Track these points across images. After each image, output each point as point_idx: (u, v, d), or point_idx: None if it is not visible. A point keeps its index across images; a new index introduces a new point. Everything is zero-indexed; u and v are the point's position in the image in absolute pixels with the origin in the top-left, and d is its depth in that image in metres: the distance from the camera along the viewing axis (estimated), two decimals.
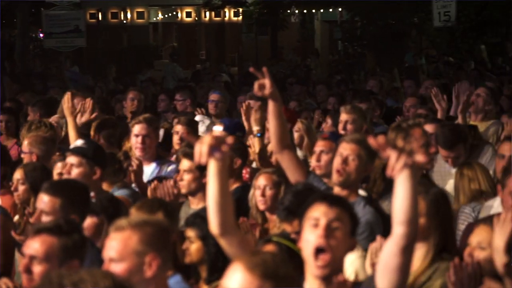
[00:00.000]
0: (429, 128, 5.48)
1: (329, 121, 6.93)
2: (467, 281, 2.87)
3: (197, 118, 6.82)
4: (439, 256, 3.17)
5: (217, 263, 3.23)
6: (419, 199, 3.05)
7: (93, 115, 5.79)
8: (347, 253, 2.78)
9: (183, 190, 4.45)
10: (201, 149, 2.75)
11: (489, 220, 3.30)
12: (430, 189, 3.26)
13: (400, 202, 2.49)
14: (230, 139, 2.85)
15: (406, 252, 2.54)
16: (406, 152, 2.43)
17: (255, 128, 5.55)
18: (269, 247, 3.21)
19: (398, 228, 2.51)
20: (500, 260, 2.87)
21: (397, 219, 2.51)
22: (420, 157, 2.40)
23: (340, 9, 24.79)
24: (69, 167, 4.42)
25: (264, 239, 3.42)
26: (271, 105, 3.87)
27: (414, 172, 2.45)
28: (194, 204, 4.46)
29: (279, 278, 2.22)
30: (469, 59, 16.13)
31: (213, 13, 27.63)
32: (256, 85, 3.76)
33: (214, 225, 2.88)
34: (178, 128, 5.87)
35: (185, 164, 4.49)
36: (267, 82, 3.72)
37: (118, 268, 2.66)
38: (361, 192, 4.27)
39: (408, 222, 2.49)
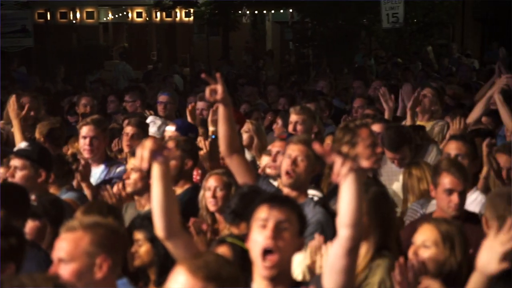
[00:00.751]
0: (376, 128, 5.57)
1: (279, 121, 6.98)
2: (412, 280, 2.91)
3: (149, 118, 6.79)
4: (379, 254, 3.22)
5: (166, 265, 3.22)
6: None
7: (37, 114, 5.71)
8: (295, 253, 2.80)
9: (129, 189, 4.42)
10: (142, 153, 2.75)
11: (433, 219, 3.37)
12: (370, 188, 3.31)
13: (345, 205, 2.52)
14: (171, 143, 2.85)
15: (352, 254, 2.57)
16: (351, 158, 2.46)
17: (211, 129, 5.55)
18: (223, 248, 3.21)
19: (343, 231, 2.55)
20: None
21: (342, 221, 2.54)
22: (364, 163, 2.44)
23: (291, 10, 24.92)
24: (13, 170, 4.35)
25: (217, 240, 3.42)
26: (221, 110, 3.88)
27: (359, 176, 2.48)
28: (141, 206, 4.43)
29: (222, 279, 2.24)
30: (416, 60, 16.40)
31: (164, 14, 27.45)
32: (207, 90, 3.76)
33: (159, 228, 2.88)
34: (128, 130, 5.83)
35: (132, 162, 4.47)
36: (219, 87, 3.72)
37: (67, 268, 2.64)
38: (315, 192, 4.32)
39: (353, 225, 2.52)
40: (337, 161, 2.46)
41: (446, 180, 3.94)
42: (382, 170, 5.60)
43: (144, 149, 2.74)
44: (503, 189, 3.92)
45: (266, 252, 2.70)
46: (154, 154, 2.76)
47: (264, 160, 5.05)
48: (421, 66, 14.68)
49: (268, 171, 4.89)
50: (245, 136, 6.29)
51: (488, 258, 2.54)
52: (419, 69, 14.12)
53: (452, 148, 4.59)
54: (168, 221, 2.85)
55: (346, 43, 19.15)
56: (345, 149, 2.51)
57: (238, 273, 2.30)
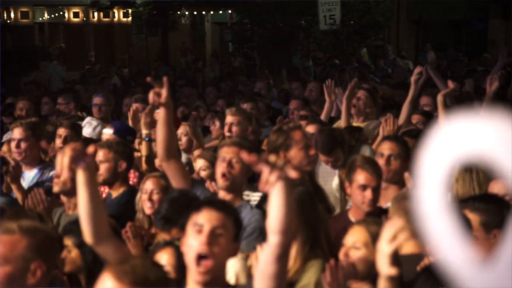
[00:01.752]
0: (311, 129, 5.64)
1: (217, 123, 6.97)
2: (342, 281, 2.93)
3: (86, 120, 6.69)
4: (312, 253, 3.25)
5: (94, 271, 3.18)
6: None
7: None
8: (230, 258, 2.80)
9: (57, 188, 4.32)
10: (62, 160, 2.72)
11: (363, 220, 3.41)
12: (295, 188, 3.34)
13: (274, 212, 2.53)
14: (91, 148, 2.80)
15: (281, 260, 2.58)
16: (279, 166, 2.47)
17: (144, 132, 5.50)
18: (167, 250, 3.20)
19: (273, 238, 2.56)
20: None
21: (272, 228, 2.56)
22: (292, 173, 2.46)
23: (230, 11, 24.94)
24: None
25: (163, 242, 3.40)
26: (163, 113, 3.84)
27: (287, 184, 2.51)
28: (70, 210, 4.35)
29: (150, 283, 2.22)
30: (353, 61, 16.63)
31: (101, 14, 27.09)
32: (151, 93, 3.72)
33: (87, 234, 2.85)
34: (61, 132, 5.75)
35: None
36: (163, 91, 3.69)
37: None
38: (253, 193, 4.33)
39: (283, 231, 2.53)
40: (265, 170, 2.46)
41: (360, 177, 4.01)
42: (317, 171, 5.67)
43: (64, 156, 2.71)
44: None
45: (200, 257, 2.70)
46: (76, 160, 2.72)
47: (199, 163, 5.04)
48: (357, 68, 14.88)
49: (203, 173, 4.89)
50: (184, 139, 6.27)
51: (380, 260, 2.55)
52: (354, 70, 14.31)
53: (385, 149, 4.67)
54: (95, 227, 2.82)
55: (285, 45, 19.27)
56: (272, 157, 2.51)
57: (166, 276, 2.29)
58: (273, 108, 8.74)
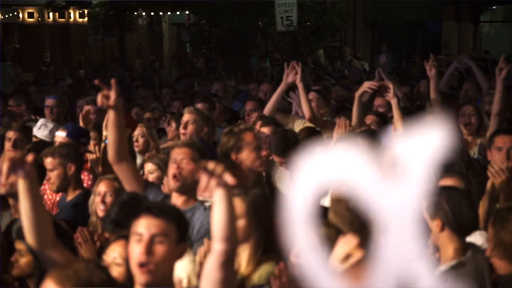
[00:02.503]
0: (265, 130, 5.66)
1: (173, 124, 6.94)
2: (290, 285, 2.93)
3: (40, 121, 6.59)
4: (265, 256, 3.25)
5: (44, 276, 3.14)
6: (238, 201, 3.15)
7: None
8: (176, 261, 2.79)
9: (2, 190, 4.26)
10: (1, 168, 2.67)
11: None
12: (249, 190, 3.35)
13: (217, 220, 2.53)
14: (30, 157, 2.76)
15: (226, 266, 2.58)
16: (217, 174, 2.47)
17: (105, 134, 5.45)
18: (120, 243, 3.19)
19: (217, 245, 2.56)
20: None
21: (215, 235, 2.56)
22: (229, 179, 2.46)
23: (187, 12, 24.84)
24: None
25: (117, 236, 3.37)
26: (112, 116, 3.80)
27: (227, 191, 2.50)
28: (17, 213, 4.28)
29: (94, 285, 2.21)
30: (310, 62, 16.72)
31: (57, 14, 26.74)
32: (99, 96, 3.68)
33: (31, 241, 2.82)
34: (10, 135, 5.67)
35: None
36: (112, 94, 3.66)
37: None
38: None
39: (227, 238, 2.54)
40: (203, 177, 2.46)
41: None
42: (273, 172, 5.69)
43: (3, 164, 2.66)
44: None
45: (141, 265, 2.70)
46: (14, 169, 2.68)
47: (147, 167, 5.02)
48: (314, 69, 14.96)
49: (151, 177, 4.87)
50: (140, 141, 6.24)
51: None
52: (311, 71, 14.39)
53: None
54: (39, 235, 2.79)
55: (242, 46, 19.30)
56: (211, 166, 2.50)
57: (111, 278, 2.28)
58: (235, 109, 8.75)
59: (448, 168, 4.53)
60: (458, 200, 3.24)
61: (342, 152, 1.02)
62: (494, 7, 25.42)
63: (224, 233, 2.50)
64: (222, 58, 19.57)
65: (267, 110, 6.51)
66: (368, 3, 25.29)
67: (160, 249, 2.70)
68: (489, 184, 4.03)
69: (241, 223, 3.14)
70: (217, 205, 2.49)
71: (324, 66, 16.15)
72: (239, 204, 3.17)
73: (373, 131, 5.83)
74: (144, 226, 2.71)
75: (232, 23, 19.19)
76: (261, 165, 4.41)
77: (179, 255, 2.77)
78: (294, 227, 1.04)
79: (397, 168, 0.97)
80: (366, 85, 5.95)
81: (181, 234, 2.79)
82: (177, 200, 4.02)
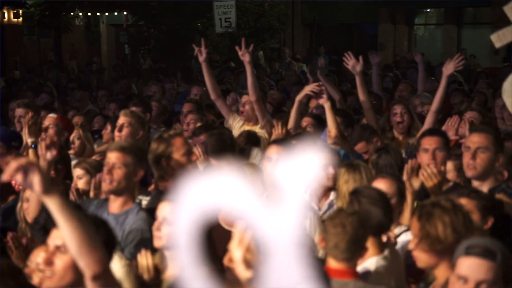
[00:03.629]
0: (203, 138, 5.67)
1: (108, 127, 6.86)
2: None
3: None
4: None
5: None
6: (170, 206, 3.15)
7: None
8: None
9: None
10: None
11: None
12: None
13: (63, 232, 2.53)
14: None
15: (96, 281, 2.53)
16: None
17: (29, 140, 5.34)
18: (45, 247, 3.14)
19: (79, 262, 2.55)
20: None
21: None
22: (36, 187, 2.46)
23: (125, 13, 24.58)
24: None
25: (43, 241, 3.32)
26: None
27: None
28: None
29: None
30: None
31: None
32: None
33: None
34: None
35: None
36: None
37: None
38: (145, 197, 4.30)
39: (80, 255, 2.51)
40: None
41: None
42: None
43: None
44: None
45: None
46: None
47: (76, 172, 4.96)
48: (255, 71, 14.98)
49: (79, 182, 4.81)
50: (77, 143, 6.16)
51: (237, 268, 2.55)
52: (254, 73, 14.39)
53: (273, 152, 4.74)
54: None
55: (181, 47, 19.21)
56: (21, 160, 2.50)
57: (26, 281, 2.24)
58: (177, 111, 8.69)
59: (380, 169, 4.63)
60: (370, 201, 3.44)
61: (225, 176, 1.04)
62: (428, 10, 26.04)
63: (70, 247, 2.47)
64: (161, 59, 19.43)
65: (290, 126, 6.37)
66: (306, 5, 25.54)
67: (59, 260, 2.68)
68: (416, 185, 4.12)
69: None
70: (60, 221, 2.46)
71: (263, 67, 16.19)
72: (173, 210, 3.16)
73: (307, 133, 5.90)
74: (51, 236, 2.70)
75: (170, 24, 19.09)
76: (192, 169, 4.41)
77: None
78: (178, 252, 1.06)
79: (277, 192, 1.00)
80: (307, 89, 6.02)
81: (107, 246, 2.75)
82: (113, 203, 3.99)
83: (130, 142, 4.10)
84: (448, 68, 5.87)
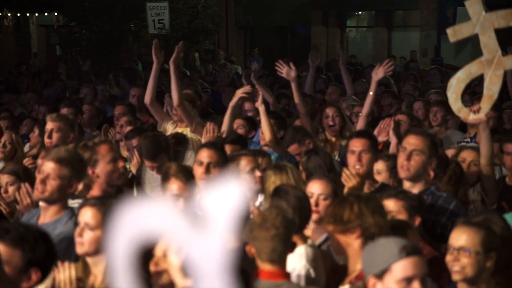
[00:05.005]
0: (135, 142, 5.63)
1: (36, 130, 6.72)
2: None
3: None
4: None
5: None
6: (94, 211, 3.13)
7: None
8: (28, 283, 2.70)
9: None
10: None
11: None
12: (106, 200, 3.32)
13: None
14: None
15: None
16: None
17: None
18: None
19: None
20: None
21: None
22: None
23: (56, 14, 24.10)
24: None
25: None
26: None
27: None
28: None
29: None
30: (182, 66, 16.67)
31: None
32: None
33: None
34: None
35: None
36: None
37: None
38: (72, 201, 4.21)
39: None
40: None
41: (174, 186, 4.11)
42: (144, 177, 5.64)
43: None
44: None
45: None
46: None
47: (5, 178, 4.84)
48: (189, 73, 14.94)
49: (10, 189, 4.70)
50: (8, 147, 6.04)
51: (173, 274, 2.44)
52: (187, 75, 14.36)
53: (204, 156, 4.74)
54: None
55: (114, 49, 18.95)
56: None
57: None
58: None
59: (310, 171, 4.69)
60: (292, 198, 3.61)
61: (158, 203, 1.05)
62: (359, 13, 26.50)
63: None
64: (93, 61, 19.13)
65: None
66: (240, 7, 25.61)
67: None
68: (345, 190, 4.21)
69: (97, 233, 3.09)
70: None
71: (199, 69, 16.17)
72: (95, 215, 3.13)
73: (239, 136, 5.92)
74: None
75: (102, 25, 18.81)
76: (119, 177, 4.37)
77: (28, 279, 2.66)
78: (115, 274, 1.07)
79: (205, 218, 1.02)
80: (239, 93, 6.05)
81: (28, 259, 2.68)
82: (45, 211, 3.92)
83: (70, 153, 4.00)
84: (378, 74, 5.98)
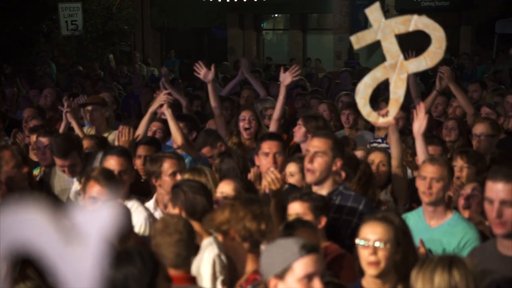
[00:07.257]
0: (44, 140, 5.50)
1: None
2: None
3: None
4: None
5: None
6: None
7: None
8: None
9: None
10: None
11: None
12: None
13: None
14: None
15: None
16: None
17: None
18: None
19: None
20: None
21: None
22: None
23: None
24: None
25: None
26: None
27: None
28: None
29: None
30: (97, 68, 16.40)
31: None
32: None
33: None
34: None
35: None
36: None
37: None
38: None
39: None
40: None
41: (94, 189, 4.08)
42: (53, 180, 5.53)
43: None
44: None
45: None
46: None
47: None
48: (103, 74, 14.69)
49: None
50: None
51: None
52: (101, 76, 14.12)
53: (112, 164, 4.69)
54: None
55: (25, 50, 18.44)
56: None
57: None
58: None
59: (224, 173, 4.71)
60: (193, 191, 3.73)
61: (27, 214, 1.05)
62: (275, 15, 26.78)
63: None
64: (5, 63, 18.52)
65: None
66: (155, 9, 25.41)
67: None
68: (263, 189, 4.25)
69: None
70: None
71: (114, 71, 15.92)
72: None
73: (153, 138, 5.89)
74: None
75: (12, 25, 18.26)
76: (24, 181, 4.29)
77: None
78: None
79: (77, 236, 1.03)
80: (159, 100, 6.00)
81: None
82: None
83: None
84: (286, 79, 6.06)
